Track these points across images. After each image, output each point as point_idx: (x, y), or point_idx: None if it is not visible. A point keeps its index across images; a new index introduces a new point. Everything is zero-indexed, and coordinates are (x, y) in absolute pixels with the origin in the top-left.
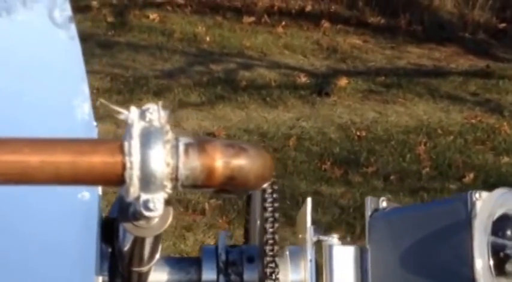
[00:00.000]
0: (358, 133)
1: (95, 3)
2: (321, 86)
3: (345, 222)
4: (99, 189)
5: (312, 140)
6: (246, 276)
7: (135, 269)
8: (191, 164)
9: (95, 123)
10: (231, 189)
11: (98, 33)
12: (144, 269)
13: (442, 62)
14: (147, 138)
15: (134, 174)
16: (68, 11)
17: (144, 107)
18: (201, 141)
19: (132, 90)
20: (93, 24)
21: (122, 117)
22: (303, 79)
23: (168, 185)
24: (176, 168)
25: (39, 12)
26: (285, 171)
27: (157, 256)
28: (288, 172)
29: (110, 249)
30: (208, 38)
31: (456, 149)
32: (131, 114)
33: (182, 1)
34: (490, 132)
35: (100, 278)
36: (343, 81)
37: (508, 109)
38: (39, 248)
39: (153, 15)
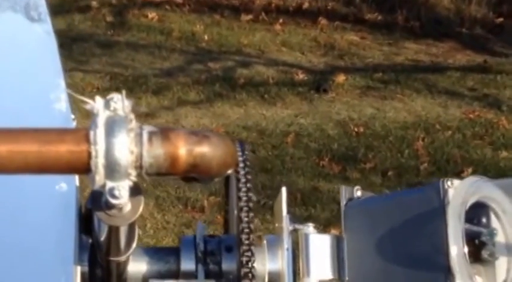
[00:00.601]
0: (356, 129)
1: (94, 3)
2: (318, 82)
3: None
4: (77, 180)
5: (310, 137)
6: (224, 266)
7: (113, 258)
8: (155, 151)
9: (72, 116)
10: (195, 176)
11: (97, 33)
12: (122, 258)
13: (440, 57)
14: (111, 127)
15: (99, 163)
16: (43, 6)
17: (108, 97)
18: (165, 130)
19: (132, 89)
20: (92, 23)
21: (87, 107)
22: (300, 76)
23: (133, 172)
24: (140, 156)
25: (14, 7)
26: (283, 168)
27: (134, 245)
28: (286, 169)
29: (90, 240)
30: (206, 37)
31: (454, 144)
32: (96, 103)
33: (180, 0)
34: (488, 127)
35: (79, 268)
36: (341, 78)
37: (506, 104)
38: (18, 240)
39: (152, 15)
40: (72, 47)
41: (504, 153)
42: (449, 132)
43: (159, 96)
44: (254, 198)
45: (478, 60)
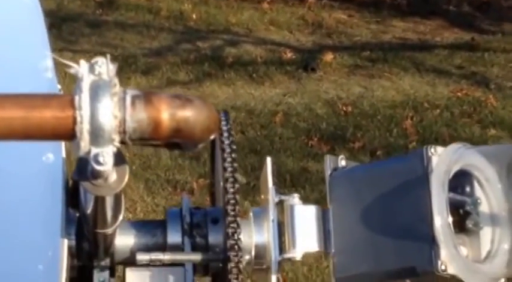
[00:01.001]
0: (344, 108)
1: None
2: (306, 61)
3: None
4: (63, 151)
5: (298, 116)
6: (210, 238)
7: (100, 231)
8: (138, 116)
9: (59, 87)
10: (178, 141)
11: (86, 12)
12: (109, 230)
13: (427, 35)
14: (95, 91)
15: (84, 129)
16: None
17: (93, 60)
18: (148, 94)
19: (121, 68)
20: (81, 3)
21: (72, 71)
22: (288, 55)
23: (116, 138)
24: (124, 121)
25: None
26: (272, 148)
27: (121, 217)
28: (274, 149)
29: (77, 214)
30: (194, 15)
31: (443, 122)
32: (81, 68)
33: None
34: (476, 105)
35: (66, 242)
36: (328, 57)
37: (494, 82)
38: (4, 211)
39: None
40: (62, 27)
41: (492, 131)
42: (438, 110)
43: (149, 76)
44: (239, 175)
45: (465, 38)
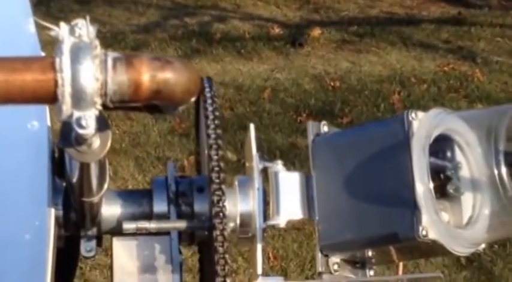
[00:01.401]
0: (332, 83)
1: None
2: (294, 37)
3: None
4: (48, 119)
5: (286, 92)
6: (196, 207)
7: (86, 199)
8: (119, 78)
9: (43, 54)
10: (159, 104)
11: None
12: (95, 199)
13: (414, 9)
14: (76, 53)
15: (66, 91)
16: None
17: (73, 23)
18: (129, 56)
19: (110, 45)
20: None
21: (52, 33)
22: (276, 30)
23: (98, 101)
24: (105, 83)
25: None
26: (261, 124)
27: (106, 186)
28: (263, 125)
29: (63, 184)
30: None
31: (430, 97)
32: (61, 30)
33: None
34: (462, 79)
35: (53, 211)
36: (316, 32)
37: (481, 56)
38: None
39: None
40: (50, 4)
41: (479, 106)
42: (425, 85)
43: (137, 52)
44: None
45: (452, 12)
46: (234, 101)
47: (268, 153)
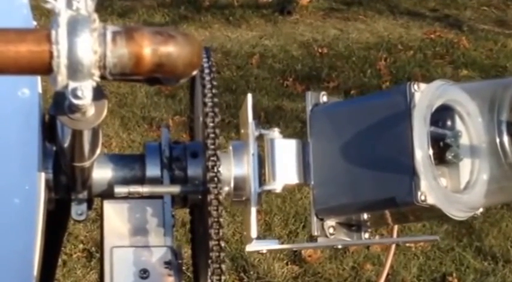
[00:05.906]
0: (319, 50)
1: None
2: (283, 4)
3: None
4: (39, 87)
5: (274, 58)
6: (190, 171)
7: (77, 164)
8: (119, 51)
9: (34, 23)
10: (160, 77)
11: None
12: (86, 164)
13: None
14: (73, 26)
15: (61, 63)
16: None
17: None
18: (129, 29)
19: (97, 11)
20: None
21: (48, 6)
22: None
23: (96, 72)
24: (104, 56)
25: None
26: (248, 88)
27: (98, 151)
28: (250, 89)
29: (54, 148)
30: None
31: (416, 63)
32: (58, 3)
33: None
34: (449, 46)
35: (43, 175)
36: (304, 0)
37: (467, 24)
38: None
39: None
40: None
41: (464, 72)
42: (411, 52)
43: (125, 18)
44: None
45: None
46: (221, 65)
47: (253, 115)
